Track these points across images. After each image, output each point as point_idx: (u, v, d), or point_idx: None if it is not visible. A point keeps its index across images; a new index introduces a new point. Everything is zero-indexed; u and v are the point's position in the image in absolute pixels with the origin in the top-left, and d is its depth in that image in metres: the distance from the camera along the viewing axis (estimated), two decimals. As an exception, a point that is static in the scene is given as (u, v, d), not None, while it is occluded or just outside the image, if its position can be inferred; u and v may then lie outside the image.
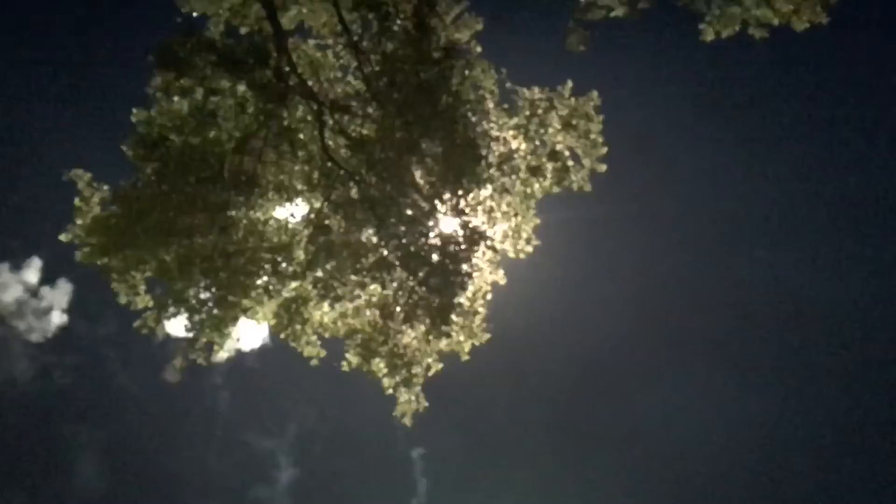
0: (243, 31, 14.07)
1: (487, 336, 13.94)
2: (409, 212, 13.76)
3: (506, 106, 14.36)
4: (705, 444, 12.71)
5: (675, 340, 13.61)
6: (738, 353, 13.60)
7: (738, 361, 13.64)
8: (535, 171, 14.59)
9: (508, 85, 14.35)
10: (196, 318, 13.44)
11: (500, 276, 14.13)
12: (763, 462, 12.64)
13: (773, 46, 14.37)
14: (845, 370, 13.02)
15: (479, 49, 14.10)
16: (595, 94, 14.49)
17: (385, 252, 13.41)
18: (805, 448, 13.03)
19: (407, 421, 13.63)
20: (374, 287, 13.67)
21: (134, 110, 13.53)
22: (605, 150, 14.56)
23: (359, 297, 13.69)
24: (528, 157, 14.57)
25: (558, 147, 14.61)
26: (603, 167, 14.60)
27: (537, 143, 14.57)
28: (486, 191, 14.33)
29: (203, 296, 13.52)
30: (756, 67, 14.40)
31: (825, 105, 14.19)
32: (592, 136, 14.62)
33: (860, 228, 14.00)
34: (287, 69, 14.16)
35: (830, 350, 13.21)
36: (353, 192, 13.95)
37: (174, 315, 13.46)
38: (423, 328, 13.52)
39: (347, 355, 13.87)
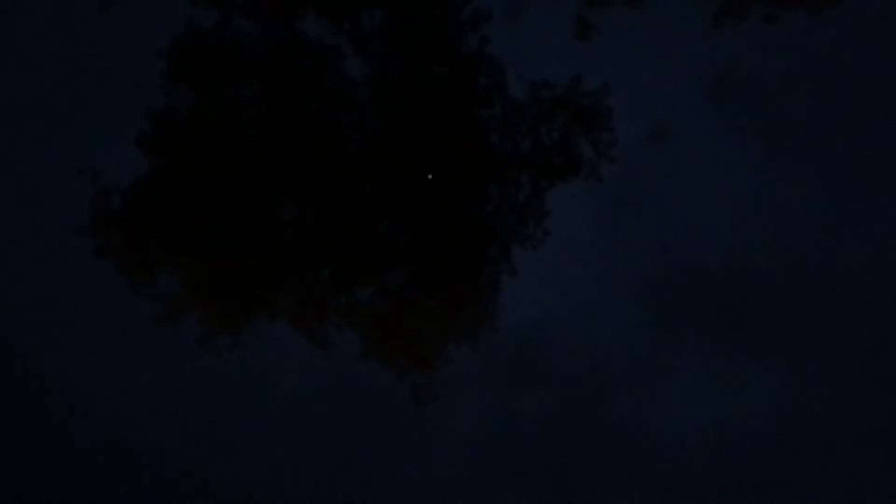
0: (256, 27, 14.20)
1: (499, 325, 14.05)
2: (420, 205, 14.01)
3: (515, 98, 14.49)
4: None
5: (686, 331, 13.63)
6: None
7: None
8: (546, 164, 14.69)
9: (518, 77, 14.51)
10: (213, 312, 13.62)
11: (512, 267, 14.25)
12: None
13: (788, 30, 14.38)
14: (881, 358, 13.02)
15: (488, 42, 14.29)
16: (607, 84, 14.57)
17: (400, 243, 13.63)
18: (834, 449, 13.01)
19: (424, 408, 13.73)
20: (388, 277, 13.86)
21: (148, 107, 13.74)
22: (616, 141, 14.63)
23: (376, 285, 13.86)
24: (538, 150, 14.69)
25: (569, 139, 14.71)
26: (615, 159, 14.66)
27: (547, 135, 14.69)
28: (497, 184, 14.51)
29: (221, 290, 13.70)
30: (773, 52, 14.36)
31: (850, 93, 14.12)
32: (604, 129, 14.70)
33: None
34: (300, 65, 14.36)
35: (861, 336, 13.18)
36: (368, 187, 14.14)
37: (191, 309, 13.63)
38: (437, 316, 13.71)
39: (365, 343, 13.96)
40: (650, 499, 12.78)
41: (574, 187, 14.49)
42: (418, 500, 12.85)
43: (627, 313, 13.69)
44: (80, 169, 13.49)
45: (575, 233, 14.21)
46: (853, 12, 14.09)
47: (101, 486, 12.61)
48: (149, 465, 12.74)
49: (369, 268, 14.10)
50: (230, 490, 12.74)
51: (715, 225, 14.00)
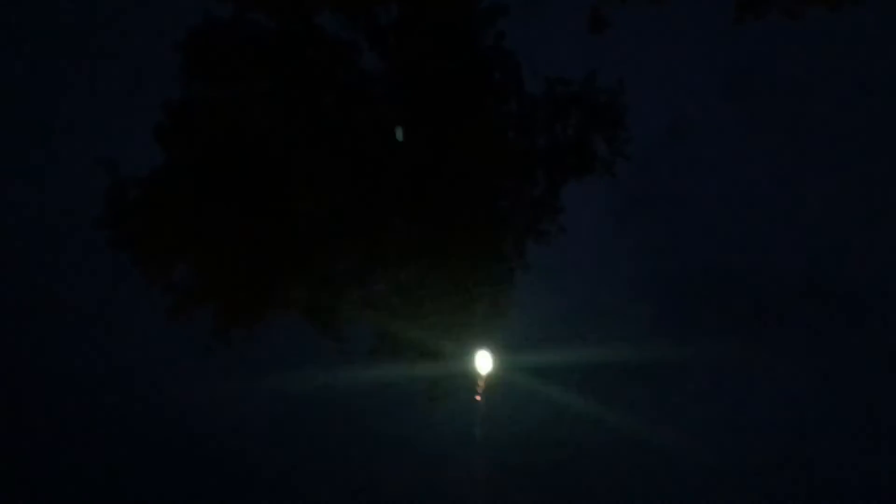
0: (272, 21, 14.22)
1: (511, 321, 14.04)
2: (435, 200, 14.00)
3: (531, 94, 14.45)
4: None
5: (701, 328, 13.58)
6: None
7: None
8: (560, 160, 14.66)
9: (534, 73, 14.47)
10: (227, 304, 13.65)
11: (526, 262, 14.25)
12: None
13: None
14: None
15: (504, 37, 14.26)
16: (622, 81, 14.52)
17: (414, 237, 13.65)
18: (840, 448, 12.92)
19: (437, 404, 13.75)
20: (402, 272, 13.88)
21: (165, 99, 13.75)
22: (632, 139, 14.58)
23: (390, 279, 13.89)
24: (554, 146, 14.66)
25: (584, 136, 14.68)
26: (629, 157, 14.62)
27: (563, 132, 14.67)
28: (512, 180, 14.50)
29: (235, 282, 13.74)
30: (791, 50, 14.29)
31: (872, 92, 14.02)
32: (619, 126, 14.65)
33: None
34: (316, 59, 14.36)
35: (872, 339, 13.07)
36: (383, 181, 14.15)
37: (205, 301, 13.67)
38: (449, 312, 13.71)
39: (378, 337, 13.97)
40: (661, 493, 12.74)
41: (591, 183, 14.44)
42: (424, 493, 12.85)
43: (642, 309, 13.63)
44: (97, 160, 13.51)
45: (591, 228, 14.16)
46: (872, 10, 13.97)
47: (108, 473, 12.64)
48: (155, 453, 12.78)
49: (384, 262, 14.09)
50: (238, 477, 12.76)
51: (732, 222, 13.92)
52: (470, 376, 13.81)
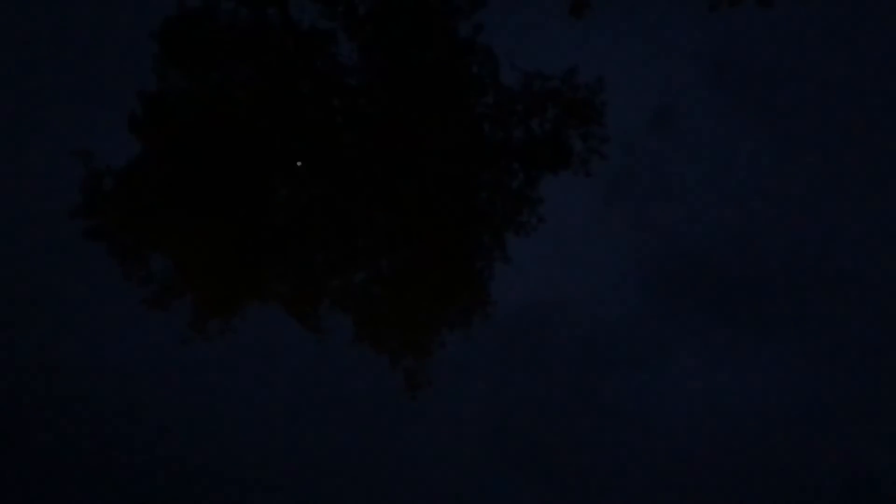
0: (248, 10, 14.19)
1: (493, 309, 13.95)
2: (413, 191, 13.96)
3: (509, 88, 14.47)
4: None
5: (685, 313, 13.56)
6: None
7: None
8: (538, 155, 14.68)
9: (512, 67, 14.50)
10: (204, 296, 13.48)
11: (505, 254, 14.19)
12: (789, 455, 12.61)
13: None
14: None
15: (482, 29, 14.30)
16: (601, 79, 14.58)
17: (393, 228, 13.57)
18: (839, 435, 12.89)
19: (417, 393, 13.61)
20: (381, 262, 13.79)
21: (140, 89, 13.66)
22: (608, 138, 14.62)
23: (369, 269, 13.78)
24: (530, 140, 14.68)
25: (560, 132, 14.71)
26: (605, 156, 14.64)
27: (539, 126, 14.69)
28: (489, 172, 14.48)
29: (212, 273, 13.59)
30: (773, 35, 14.41)
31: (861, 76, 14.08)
32: (596, 124, 14.70)
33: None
34: (293, 50, 14.33)
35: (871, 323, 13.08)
36: (361, 173, 14.09)
37: (182, 293, 13.49)
38: (430, 302, 13.61)
39: (358, 327, 13.84)
40: (649, 477, 12.66)
41: (572, 172, 14.43)
42: (416, 483, 12.69)
43: (627, 296, 13.59)
44: (72, 150, 13.37)
45: (574, 216, 14.13)
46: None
47: (87, 471, 12.40)
48: (137, 447, 12.56)
49: (363, 252, 14.00)
50: (221, 475, 12.55)
51: (715, 208, 13.95)
52: (455, 362, 13.70)
